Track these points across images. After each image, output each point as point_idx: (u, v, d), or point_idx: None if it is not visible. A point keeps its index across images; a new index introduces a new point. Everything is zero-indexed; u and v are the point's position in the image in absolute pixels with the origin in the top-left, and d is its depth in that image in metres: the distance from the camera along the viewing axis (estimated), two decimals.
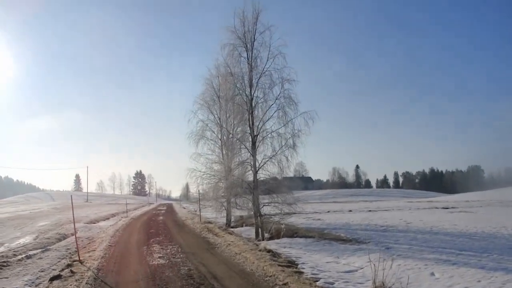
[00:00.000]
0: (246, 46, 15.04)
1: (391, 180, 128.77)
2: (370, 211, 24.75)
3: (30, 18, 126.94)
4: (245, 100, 15.06)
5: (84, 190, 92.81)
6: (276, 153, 14.52)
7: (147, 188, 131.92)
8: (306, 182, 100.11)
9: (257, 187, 14.69)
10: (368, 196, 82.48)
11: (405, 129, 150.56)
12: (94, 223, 23.10)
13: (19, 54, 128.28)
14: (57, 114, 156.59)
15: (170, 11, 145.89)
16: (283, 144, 14.43)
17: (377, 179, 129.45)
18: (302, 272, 7.79)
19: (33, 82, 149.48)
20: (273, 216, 15.37)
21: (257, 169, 14.75)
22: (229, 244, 11.44)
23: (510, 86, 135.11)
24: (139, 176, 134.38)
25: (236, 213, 18.61)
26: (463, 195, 63.15)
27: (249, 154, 14.98)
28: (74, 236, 15.84)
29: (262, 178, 15.07)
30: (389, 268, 6.62)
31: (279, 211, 15.13)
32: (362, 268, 8.35)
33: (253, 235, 15.37)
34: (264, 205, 15.04)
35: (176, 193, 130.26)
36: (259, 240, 14.27)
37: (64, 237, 15.32)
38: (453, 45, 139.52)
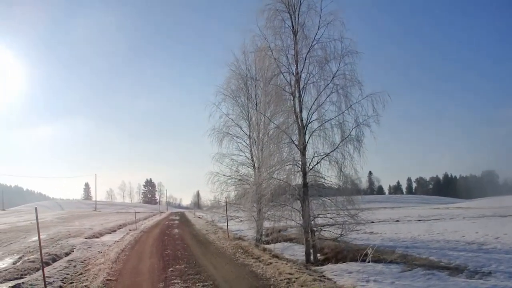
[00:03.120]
0: (290, 11, 11.63)
1: (404, 186, 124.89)
2: (420, 220, 21.05)
3: (38, 25, 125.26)
4: (289, 81, 11.61)
5: (94, 198, 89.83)
6: (335, 148, 11.03)
7: (157, 196, 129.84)
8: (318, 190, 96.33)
9: (308, 193, 11.18)
10: (385, 202, 78.66)
11: (416, 134, 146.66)
12: (97, 237, 19.74)
13: (27, 62, 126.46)
14: (66, 122, 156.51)
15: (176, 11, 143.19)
16: (345, 137, 10.93)
17: (389, 186, 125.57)
18: None
19: (41, 90, 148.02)
20: (326, 229, 11.87)
21: (307, 170, 11.26)
22: (288, 279, 7.85)
23: None
24: (149, 184, 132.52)
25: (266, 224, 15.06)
26: (489, 200, 59.19)
27: (295, 151, 11.46)
28: (66, 258, 12.12)
29: (312, 182, 11.58)
30: None
31: (335, 223, 11.68)
32: None
33: (299, 255, 11.98)
34: (315, 217, 11.55)
35: (186, 201, 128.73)
36: (311, 264, 10.81)
37: (54, 259, 11.88)
38: (459, 51, 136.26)
